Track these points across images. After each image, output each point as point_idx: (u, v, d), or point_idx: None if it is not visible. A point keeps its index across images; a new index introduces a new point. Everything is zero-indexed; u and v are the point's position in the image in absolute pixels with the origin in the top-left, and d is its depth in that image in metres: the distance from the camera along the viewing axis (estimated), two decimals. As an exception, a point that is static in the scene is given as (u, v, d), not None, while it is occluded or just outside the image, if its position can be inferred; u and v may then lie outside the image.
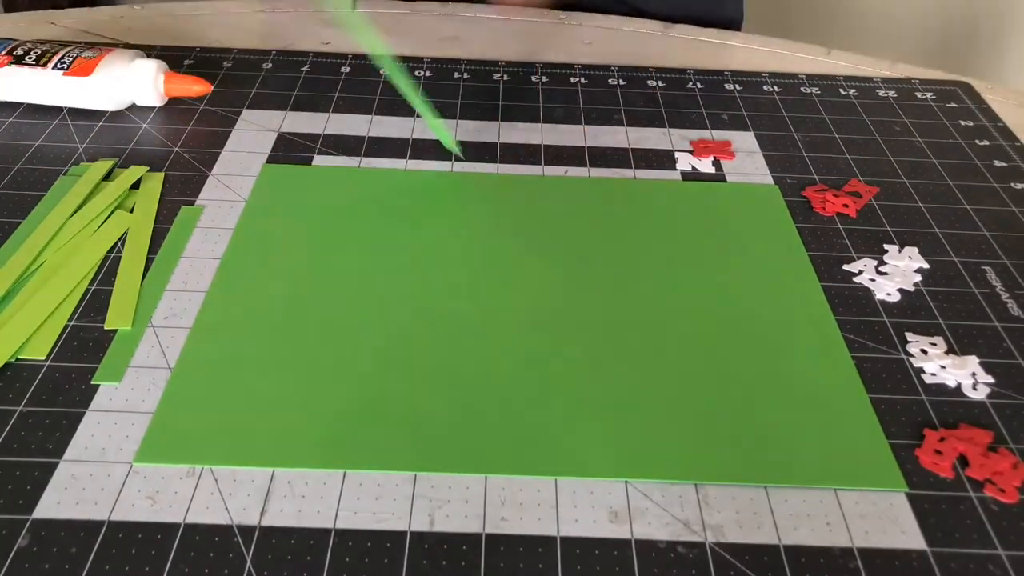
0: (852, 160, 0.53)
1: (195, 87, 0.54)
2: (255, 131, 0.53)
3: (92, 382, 0.36)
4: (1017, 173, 0.53)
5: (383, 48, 0.50)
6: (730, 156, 0.53)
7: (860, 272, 0.44)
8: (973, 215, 0.49)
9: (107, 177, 0.48)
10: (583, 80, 0.60)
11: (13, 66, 0.52)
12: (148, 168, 0.49)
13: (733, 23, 0.76)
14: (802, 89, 0.61)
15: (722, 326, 0.41)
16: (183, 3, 0.69)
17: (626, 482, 0.34)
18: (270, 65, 0.60)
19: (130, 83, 0.53)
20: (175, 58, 0.60)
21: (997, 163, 0.54)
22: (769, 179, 0.51)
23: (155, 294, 0.41)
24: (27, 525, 0.31)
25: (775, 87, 0.61)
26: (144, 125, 0.53)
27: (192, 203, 0.47)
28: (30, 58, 0.52)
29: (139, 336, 0.39)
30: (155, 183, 0.48)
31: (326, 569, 0.30)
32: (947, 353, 0.40)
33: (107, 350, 0.38)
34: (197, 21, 0.67)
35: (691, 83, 0.61)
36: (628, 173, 0.51)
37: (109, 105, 0.53)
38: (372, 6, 0.70)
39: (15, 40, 0.54)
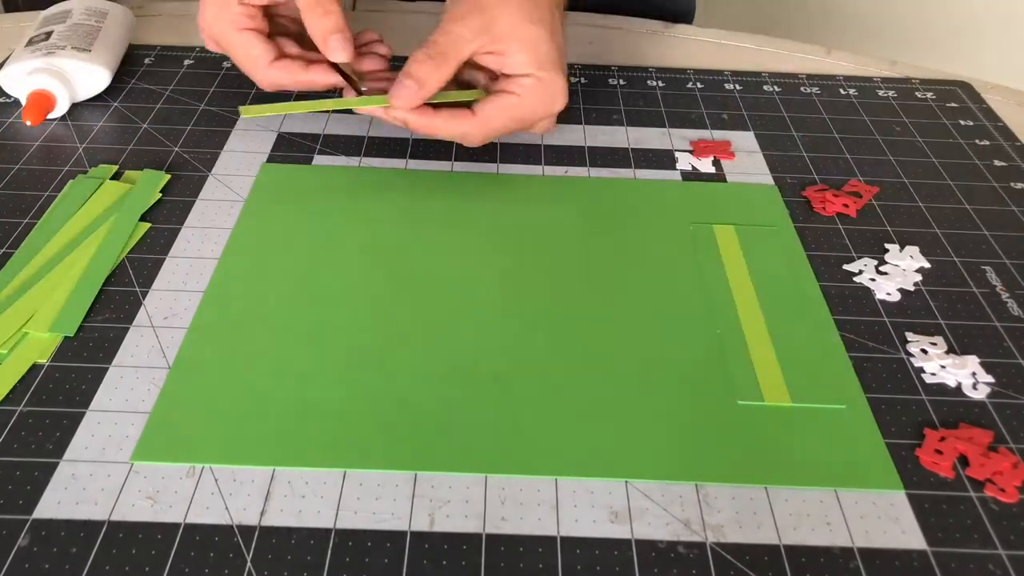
0: (852, 160, 0.53)
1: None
2: (255, 131, 0.53)
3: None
4: (1017, 173, 0.53)
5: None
6: (730, 156, 0.53)
7: (860, 272, 0.44)
8: (973, 215, 0.49)
9: (115, 177, 0.48)
10: (583, 80, 0.60)
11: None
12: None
13: (685, 16, 0.76)
14: (802, 89, 0.61)
15: (721, 325, 0.41)
16: (183, 3, 0.69)
17: (626, 482, 0.34)
18: (270, 65, 0.60)
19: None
20: (175, 58, 0.61)
21: (997, 163, 0.54)
22: (769, 179, 0.51)
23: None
24: (27, 525, 0.31)
25: (775, 87, 0.61)
26: (144, 125, 0.53)
27: (192, 203, 0.47)
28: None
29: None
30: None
31: (326, 569, 0.30)
32: (947, 353, 0.40)
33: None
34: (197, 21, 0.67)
35: (691, 83, 0.61)
36: (628, 173, 0.51)
37: None
38: (373, 6, 0.70)
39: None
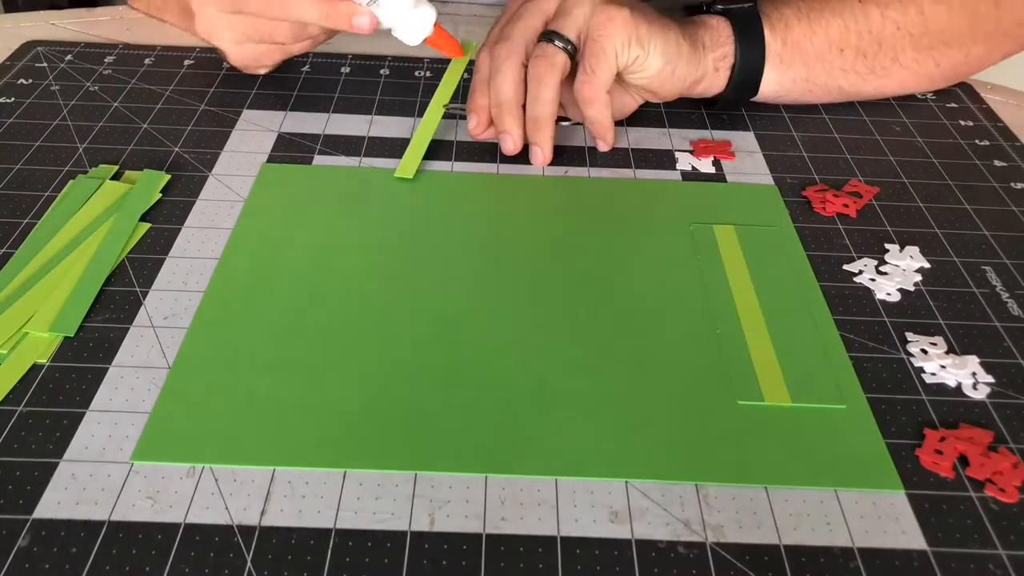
0: (852, 160, 0.53)
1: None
2: (255, 131, 0.53)
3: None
4: (1017, 173, 0.53)
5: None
6: (730, 156, 0.53)
7: (860, 272, 0.44)
8: (973, 215, 0.49)
9: (115, 177, 0.48)
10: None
11: None
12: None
13: None
14: (802, 89, 0.61)
15: (721, 325, 0.41)
16: (183, 3, 0.69)
17: (626, 482, 0.34)
18: (270, 65, 0.60)
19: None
20: (175, 58, 0.61)
21: (997, 163, 0.54)
22: (769, 179, 0.51)
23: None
24: (27, 525, 0.31)
25: (775, 87, 0.61)
26: (144, 125, 0.53)
27: (192, 203, 0.47)
28: None
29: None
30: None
31: (326, 569, 0.30)
32: (947, 353, 0.40)
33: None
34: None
35: (691, 83, 0.61)
36: (628, 173, 0.51)
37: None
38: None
39: None
